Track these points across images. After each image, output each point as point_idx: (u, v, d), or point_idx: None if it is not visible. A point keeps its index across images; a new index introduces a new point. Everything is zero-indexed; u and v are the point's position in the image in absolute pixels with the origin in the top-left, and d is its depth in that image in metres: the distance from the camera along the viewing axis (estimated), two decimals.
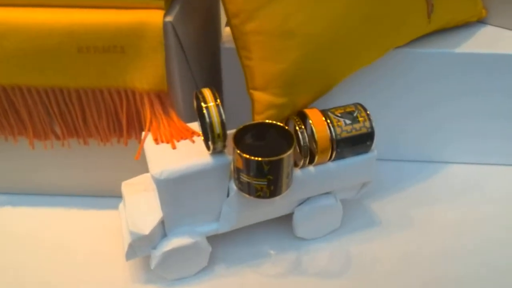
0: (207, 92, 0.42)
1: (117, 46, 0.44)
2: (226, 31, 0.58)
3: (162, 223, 0.46)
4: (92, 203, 0.57)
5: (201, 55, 0.59)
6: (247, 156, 0.40)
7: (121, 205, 0.51)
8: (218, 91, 0.42)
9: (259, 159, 0.40)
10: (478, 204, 0.57)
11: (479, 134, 0.60)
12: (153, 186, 0.48)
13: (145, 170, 0.50)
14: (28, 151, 0.53)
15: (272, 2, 0.43)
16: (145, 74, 0.45)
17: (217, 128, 0.41)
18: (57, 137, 0.51)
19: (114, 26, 0.43)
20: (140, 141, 0.51)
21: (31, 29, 0.43)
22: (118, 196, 0.52)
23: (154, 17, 0.43)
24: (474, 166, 0.63)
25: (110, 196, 0.57)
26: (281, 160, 0.41)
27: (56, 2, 0.44)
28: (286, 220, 0.52)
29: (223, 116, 0.41)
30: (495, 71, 0.55)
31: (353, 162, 0.48)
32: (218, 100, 0.41)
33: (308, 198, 0.50)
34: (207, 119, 0.41)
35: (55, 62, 0.45)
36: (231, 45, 0.53)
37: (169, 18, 0.44)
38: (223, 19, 0.73)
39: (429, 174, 0.62)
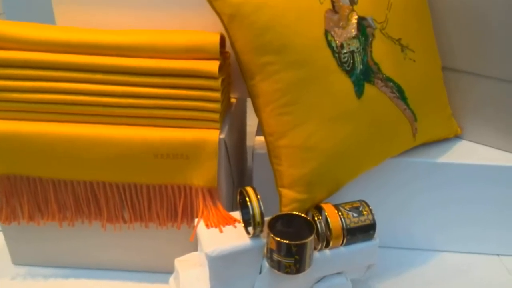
0: (250, 190, 0.56)
1: (184, 154, 0.59)
2: (257, 139, 0.73)
3: None
4: (144, 277, 0.69)
5: (235, 156, 0.75)
6: (280, 240, 0.54)
7: (171, 279, 0.63)
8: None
9: (289, 242, 0.53)
10: None
11: (463, 228, 0.73)
12: (200, 262, 0.60)
13: (191, 249, 0.63)
14: (93, 232, 0.66)
15: (297, 126, 0.59)
16: (202, 175, 0.61)
17: (258, 218, 0.55)
18: (125, 222, 0.65)
19: (183, 140, 0.59)
20: (189, 225, 0.65)
21: (120, 140, 0.60)
22: (166, 272, 0.63)
23: (212, 135, 0.59)
24: (463, 255, 0.75)
25: (160, 272, 0.68)
26: (306, 243, 0.54)
27: (140, 122, 0.61)
28: None
29: (262, 208, 0.55)
30: (472, 178, 0.70)
31: (360, 248, 0.61)
32: (259, 196, 0.56)
33: (324, 277, 0.62)
34: (251, 211, 0.55)
35: (135, 165, 0.60)
36: (262, 151, 0.68)
37: (222, 136, 0.60)
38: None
39: (423, 261, 0.74)
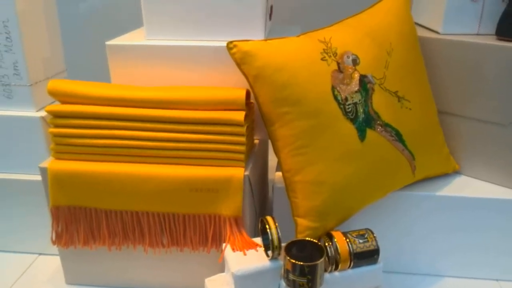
0: (269, 219, 0.67)
1: (214, 188, 0.71)
2: (276, 175, 0.84)
3: None
4: None
5: (258, 189, 0.86)
6: (294, 261, 0.63)
7: None
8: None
9: (303, 263, 0.63)
10: None
11: (462, 254, 0.81)
12: (227, 281, 0.70)
13: (219, 270, 0.73)
14: (136, 255, 0.78)
15: (310, 165, 0.70)
16: (229, 206, 0.72)
17: (276, 243, 0.65)
18: (163, 246, 0.76)
19: (214, 177, 0.71)
20: (218, 249, 0.75)
21: (163, 177, 0.72)
22: None
23: (238, 172, 0.71)
24: (463, 280, 0.82)
25: None
26: (316, 265, 0.63)
27: (179, 162, 0.73)
28: None
29: (280, 235, 0.65)
30: (466, 209, 0.78)
31: (365, 270, 0.70)
32: (277, 224, 0.66)
33: None
34: (270, 237, 0.65)
35: (174, 197, 0.72)
36: (280, 185, 0.79)
37: (247, 172, 0.72)
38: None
39: (426, 285, 0.81)
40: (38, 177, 0.77)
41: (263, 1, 0.76)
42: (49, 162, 0.74)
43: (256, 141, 0.85)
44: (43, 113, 0.84)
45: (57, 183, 0.73)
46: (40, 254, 0.92)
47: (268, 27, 0.85)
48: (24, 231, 0.90)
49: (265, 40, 0.71)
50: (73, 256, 0.81)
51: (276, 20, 0.98)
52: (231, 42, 0.69)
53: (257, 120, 0.82)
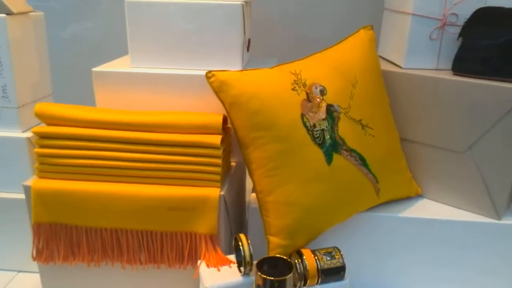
0: (242, 236, 0.71)
1: (191, 207, 0.75)
2: (252, 196, 0.89)
3: None
4: None
5: (234, 209, 0.90)
6: (265, 276, 0.68)
7: None
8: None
9: (273, 278, 0.67)
10: None
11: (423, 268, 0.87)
12: None
13: (194, 286, 0.76)
14: (114, 272, 0.81)
15: (281, 186, 0.75)
16: (205, 224, 0.76)
17: (248, 258, 0.69)
18: (141, 263, 0.79)
19: (191, 196, 0.75)
20: (194, 266, 0.79)
21: (142, 196, 0.76)
22: None
23: (214, 192, 0.76)
24: None
25: None
26: (285, 279, 0.68)
27: (158, 182, 0.77)
28: None
29: (252, 251, 0.70)
30: (426, 229, 0.84)
31: (332, 286, 0.74)
32: (249, 241, 0.71)
33: None
34: (242, 253, 0.69)
35: (152, 215, 0.76)
36: (255, 205, 0.84)
37: (222, 192, 0.77)
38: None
39: None
40: (20, 195, 0.80)
41: (240, 35, 0.83)
42: (32, 181, 0.78)
43: (233, 164, 0.91)
44: (29, 134, 0.88)
45: (39, 200, 0.77)
46: (19, 271, 0.94)
47: (245, 59, 0.92)
48: (4, 248, 0.91)
49: (241, 70, 0.77)
50: (52, 273, 0.83)
51: (256, 52, 1.05)
52: (209, 71, 0.75)
53: (234, 143, 0.87)
